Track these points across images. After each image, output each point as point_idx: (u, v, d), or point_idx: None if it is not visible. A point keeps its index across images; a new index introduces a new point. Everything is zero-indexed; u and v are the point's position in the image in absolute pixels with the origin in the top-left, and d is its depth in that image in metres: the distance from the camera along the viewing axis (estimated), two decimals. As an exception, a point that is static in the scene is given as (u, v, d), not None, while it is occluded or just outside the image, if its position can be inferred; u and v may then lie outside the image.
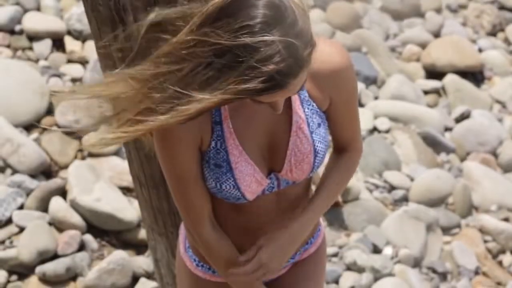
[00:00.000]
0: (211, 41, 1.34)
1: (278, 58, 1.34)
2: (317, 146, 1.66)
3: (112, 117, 1.50)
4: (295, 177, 1.68)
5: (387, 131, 4.41)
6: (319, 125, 1.66)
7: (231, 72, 1.34)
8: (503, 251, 3.98)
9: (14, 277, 3.38)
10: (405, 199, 4.07)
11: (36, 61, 4.17)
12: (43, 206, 3.52)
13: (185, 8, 1.41)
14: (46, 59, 4.19)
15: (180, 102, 1.38)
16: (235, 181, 1.62)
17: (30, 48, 4.21)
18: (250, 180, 1.63)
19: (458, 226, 4.03)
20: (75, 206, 3.49)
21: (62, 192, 3.57)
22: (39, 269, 3.35)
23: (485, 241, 3.99)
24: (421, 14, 5.50)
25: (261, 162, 1.65)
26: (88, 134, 1.56)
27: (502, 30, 5.59)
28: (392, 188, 4.10)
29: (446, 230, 3.99)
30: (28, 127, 3.82)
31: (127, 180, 3.63)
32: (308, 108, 1.64)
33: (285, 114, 1.63)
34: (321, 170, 4.04)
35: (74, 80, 4.07)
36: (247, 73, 1.34)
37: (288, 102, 1.63)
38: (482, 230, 4.02)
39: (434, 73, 5.01)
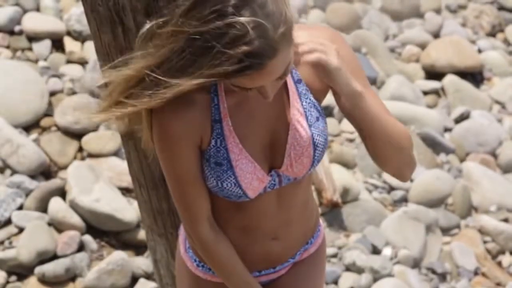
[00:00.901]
0: (183, 30, 1.40)
1: (247, 39, 1.37)
2: (316, 139, 1.66)
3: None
4: (296, 172, 1.68)
5: (387, 132, 4.40)
6: (317, 118, 1.66)
7: (202, 58, 1.39)
8: (502, 252, 3.98)
9: (13, 277, 3.38)
10: (404, 200, 4.07)
11: (36, 61, 4.17)
12: (43, 207, 3.52)
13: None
14: (45, 59, 4.19)
15: (159, 88, 1.45)
16: (236, 179, 1.62)
17: (30, 49, 4.21)
18: (251, 178, 1.63)
19: (458, 226, 4.04)
20: (74, 206, 3.49)
21: (62, 192, 3.57)
22: (38, 269, 3.35)
23: (485, 242, 3.99)
24: (420, 15, 5.50)
25: (262, 159, 1.66)
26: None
27: (502, 30, 5.59)
28: (391, 188, 4.10)
29: (445, 231, 3.99)
30: (27, 128, 3.83)
31: (127, 180, 3.63)
32: (306, 102, 1.65)
33: (283, 109, 1.64)
34: (321, 171, 4.02)
35: (73, 81, 4.07)
36: (218, 56, 1.38)
37: (286, 97, 1.64)
38: (482, 231, 4.02)
39: (433, 73, 5.01)
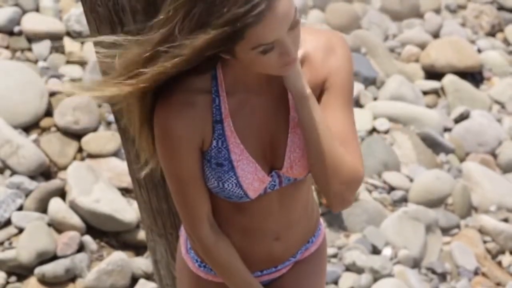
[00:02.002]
0: (180, 3, 1.42)
1: None
2: None
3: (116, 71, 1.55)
4: (296, 173, 1.69)
5: (386, 132, 4.41)
6: None
7: (210, 10, 1.39)
8: (502, 252, 3.98)
9: (13, 278, 3.38)
10: (404, 200, 4.07)
11: (35, 62, 4.17)
12: (42, 207, 3.52)
13: None
14: (45, 60, 4.19)
15: (174, 50, 1.45)
16: (237, 179, 1.62)
17: (29, 49, 4.21)
18: (252, 178, 1.64)
19: (458, 226, 4.03)
20: (74, 207, 3.49)
21: (61, 193, 3.57)
22: (38, 270, 3.35)
23: (485, 242, 3.99)
24: (420, 15, 5.50)
25: (262, 160, 1.66)
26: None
27: (501, 30, 5.59)
28: (391, 188, 4.10)
29: (445, 231, 3.99)
30: (27, 128, 3.82)
31: (126, 181, 3.63)
32: None
33: (283, 110, 1.64)
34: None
35: (73, 81, 4.07)
36: (224, 3, 1.38)
37: (286, 100, 1.63)
38: (482, 231, 4.02)
39: (433, 73, 5.01)
